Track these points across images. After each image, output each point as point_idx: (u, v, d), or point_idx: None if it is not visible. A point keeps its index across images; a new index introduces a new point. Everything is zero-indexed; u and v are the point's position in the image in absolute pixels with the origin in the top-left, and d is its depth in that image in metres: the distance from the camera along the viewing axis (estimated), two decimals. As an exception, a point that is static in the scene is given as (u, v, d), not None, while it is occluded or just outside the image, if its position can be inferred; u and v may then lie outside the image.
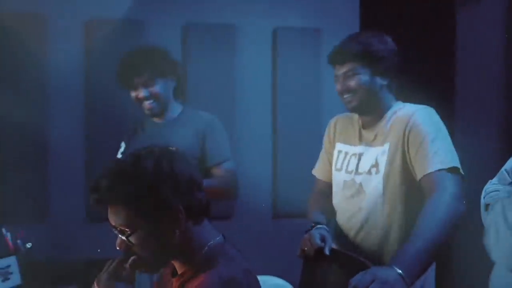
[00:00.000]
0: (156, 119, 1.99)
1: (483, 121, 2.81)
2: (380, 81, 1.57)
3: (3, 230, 1.88)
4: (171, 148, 1.13)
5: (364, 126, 1.65)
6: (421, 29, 2.88)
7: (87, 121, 2.87)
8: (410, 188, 1.52)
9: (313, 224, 1.63)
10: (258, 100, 3.08)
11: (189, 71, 2.88)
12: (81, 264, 2.68)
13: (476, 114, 2.87)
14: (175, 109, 2.00)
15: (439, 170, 1.43)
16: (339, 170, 1.68)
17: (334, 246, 1.57)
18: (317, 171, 1.86)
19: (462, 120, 2.95)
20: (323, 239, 1.52)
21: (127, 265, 1.05)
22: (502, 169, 0.95)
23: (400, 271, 1.27)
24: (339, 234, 1.67)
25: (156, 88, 1.90)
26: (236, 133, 3.01)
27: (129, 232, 1.02)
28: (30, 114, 2.66)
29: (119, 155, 2.02)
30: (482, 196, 0.89)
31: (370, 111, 1.61)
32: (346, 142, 1.69)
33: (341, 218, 1.67)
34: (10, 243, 1.92)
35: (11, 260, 1.81)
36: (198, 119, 1.97)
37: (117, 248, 1.05)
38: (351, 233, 1.62)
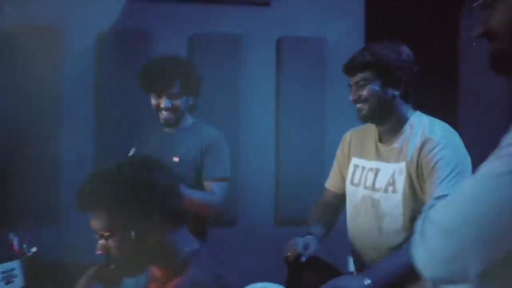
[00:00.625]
0: (167, 129, 2.05)
1: (486, 127, 2.80)
2: (392, 91, 1.57)
3: (11, 236, 1.96)
4: (153, 158, 1.20)
5: (381, 140, 1.64)
6: (424, 38, 2.88)
7: (98, 127, 2.97)
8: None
9: (306, 233, 1.67)
10: (263, 109, 3.12)
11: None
12: (89, 267, 2.77)
13: (478, 119, 2.86)
14: (187, 121, 2.05)
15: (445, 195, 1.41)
16: (357, 185, 1.67)
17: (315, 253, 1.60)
18: (329, 183, 1.86)
19: (465, 126, 2.95)
20: (306, 247, 1.56)
21: (111, 267, 1.11)
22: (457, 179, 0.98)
23: (369, 281, 1.34)
24: (357, 252, 1.67)
25: (179, 102, 1.94)
26: (241, 141, 3.06)
27: (108, 235, 1.08)
28: (44, 121, 2.79)
29: None
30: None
31: (383, 122, 1.61)
32: (362, 156, 1.68)
33: (357, 236, 1.67)
34: (16, 247, 2.00)
35: (15, 264, 1.85)
36: (204, 133, 2.01)
37: (98, 252, 1.11)
38: (370, 253, 1.62)
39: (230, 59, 3.05)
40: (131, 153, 2.10)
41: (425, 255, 0.67)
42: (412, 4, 2.93)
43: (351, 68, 1.60)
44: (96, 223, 1.10)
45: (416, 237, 0.70)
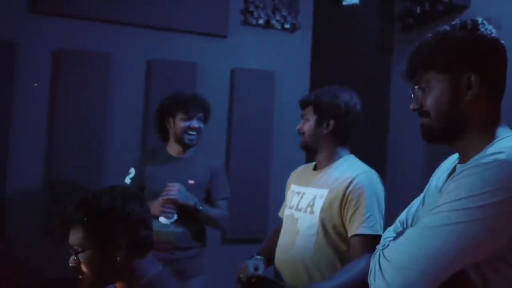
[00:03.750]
0: (173, 153, 2.30)
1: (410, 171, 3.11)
2: (324, 128, 1.74)
3: None
4: (131, 189, 1.37)
5: (316, 167, 1.82)
6: (362, 79, 3.18)
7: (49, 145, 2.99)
8: (339, 238, 1.66)
9: (254, 254, 1.84)
10: (213, 136, 3.25)
11: (152, 103, 3.07)
12: (37, 284, 2.75)
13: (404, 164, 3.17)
14: (193, 149, 2.33)
15: (367, 235, 1.59)
16: (287, 206, 1.86)
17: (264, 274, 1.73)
18: (280, 212, 1.99)
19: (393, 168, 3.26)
20: (256, 268, 1.72)
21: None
22: (397, 219, 1.11)
23: None
24: (277, 264, 1.81)
25: (202, 126, 2.29)
26: None
27: (79, 251, 1.23)
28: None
29: (127, 180, 2.28)
30: (381, 241, 1.05)
31: (317, 153, 1.78)
32: (297, 183, 1.86)
33: (278, 250, 1.81)
34: None
35: None
36: (210, 161, 2.35)
37: (70, 264, 1.25)
38: (286, 267, 1.76)
39: (184, 84, 3.17)
40: (131, 174, 2.29)
41: (383, 284, 0.89)
42: (353, 52, 3.24)
43: (300, 103, 1.84)
44: (71, 238, 1.24)
45: (375, 269, 0.92)
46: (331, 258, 1.67)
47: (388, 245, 0.94)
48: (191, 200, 2.16)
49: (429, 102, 0.97)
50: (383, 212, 1.68)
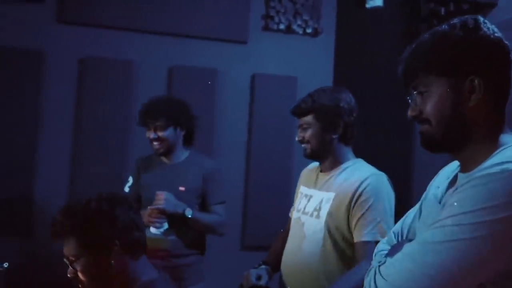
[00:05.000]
0: (165, 160, 2.26)
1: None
2: (330, 134, 1.69)
3: None
4: (118, 195, 1.37)
5: (322, 170, 1.77)
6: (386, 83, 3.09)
7: (75, 144, 3.11)
8: (345, 244, 1.61)
9: (260, 262, 1.82)
10: (234, 141, 3.29)
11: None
12: (64, 284, 2.84)
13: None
14: (183, 153, 2.25)
15: (374, 242, 1.50)
16: (296, 209, 1.83)
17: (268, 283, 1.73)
18: (290, 213, 1.96)
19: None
20: (259, 278, 1.70)
21: None
22: (391, 231, 1.05)
23: None
24: (283, 269, 1.78)
25: (165, 134, 2.17)
26: None
27: (74, 260, 1.25)
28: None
29: (126, 189, 2.29)
30: (373, 255, 1.01)
31: (324, 159, 1.73)
32: (306, 184, 1.82)
33: (284, 255, 1.78)
34: None
35: None
36: (204, 163, 2.25)
37: (68, 275, 1.28)
38: (290, 272, 1.72)
39: (205, 90, 3.24)
40: (129, 183, 2.30)
41: None
42: (377, 56, 3.15)
43: (295, 112, 1.76)
44: (65, 249, 1.27)
45: (371, 286, 0.88)
46: (338, 264, 1.62)
47: (385, 262, 0.89)
48: (180, 208, 2.11)
49: (429, 108, 0.91)
50: (393, 217, 1.61)
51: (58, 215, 1.27)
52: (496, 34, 0.89)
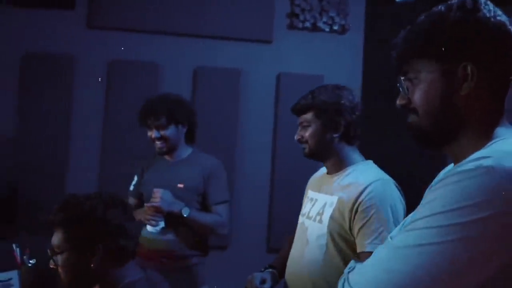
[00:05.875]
0: (167, 158, 2.23)
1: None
2: (331, 133, 1.60)
3: (14, 246, 2.10)
4: (117, 197, 1.34)
5: (328, 173, 1.69)
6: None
7: (104, 145, 3.19)
8: (350, 250, 1.53)
9: (266, 266, 1.77)
10: (260, 142, 3.26)
11: (198, 109, 3.12)
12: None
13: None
14: (185, 150, 2.22)
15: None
16: (300, 214, 1.76)
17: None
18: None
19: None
20: (264, 281, 1.65)
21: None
22: (388, 235, 0.96)
23: None
24: (286, 277, 1.71)
25: (167, 132, 2.14)
26: (236, 169, 3.20)
27: (57, 252, 1.25)
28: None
29: (131, 187, 2.29)
30: (348, 265, 0.94)
31: (325, 159, 1.65)
32: (313, 188, 1.74)
33: (289, 261, 1.72)
34: (18, 258, 2.06)
35: (14, 274, 1.97)
36: (205, 161, 2.19)
37: (50, 266, 1.28)
38: (294, 280, 1.65)
39: (229, 91, 3.23)
40: (134, 181, 2.29)
41: None
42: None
43: (295, 110, 1.68)
44: (53, 239, 1.28)
45: None
46: (342, 272, 1.52)
47: (354, 268, 0.82)
48: (176, 206, 2.04)
49: (417, 97, 0.83)
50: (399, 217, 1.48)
51: (55, 205, 1.28)
52: (498, 18, 0.80)
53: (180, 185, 2.11)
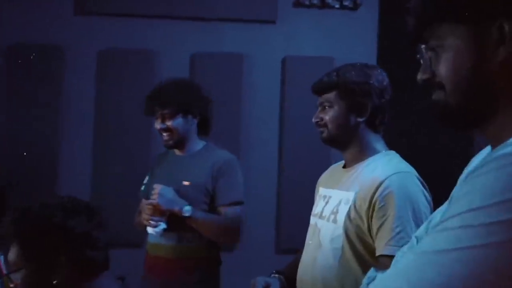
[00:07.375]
0: (177, 152, 2.04)
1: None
2: (355, 117, 1.48)
3: None
4: (80, 202, 1.18)
5: (345, 165, 1.57)
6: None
7: (96, 143, 3.03)
8: (369, 255, 1.40)
9: (274, 271, 1.62)
10: (265, 134, 3.09)
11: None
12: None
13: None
14: (197, 144, 2.02)
15: (391, 256, 1.27)
16: (312, 214, 1.61)
17: None
18: None
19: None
20: (267, 286, 1.51)
21: None
22: (413, 235, 0.88)
23: None
24: (298, 286, 1.58)
25: (174, 123, 1.94)
26: (241, 163, 3.03)
27: (15, 270, 1.10)
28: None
29: (142, 187, 2.07)
30: (367, 275, 0.83)
31: (345, 148, 1.52)
32: (325, 185, 1.62)
33: (300, 267, 1.57)
34: (1, 266, 2.02)
35: None
36: (217, 156, 1.99)
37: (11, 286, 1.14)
38: (306, 286, 1.52)
39: (231, 77, 3.04)
40: (145, 180, 2.08)
41: None
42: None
43: (316, 88, 1.53)
44: (9, 255, 1.14)
45: None
46: (360, 280, 1.34)
47: (374, 279, 0.76)
48: (177, 205, 1.83)
49: (442, 68, 0.70)
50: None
51: (7, 217, 1.13)
52: None
53: (186, 183, 1.90)
